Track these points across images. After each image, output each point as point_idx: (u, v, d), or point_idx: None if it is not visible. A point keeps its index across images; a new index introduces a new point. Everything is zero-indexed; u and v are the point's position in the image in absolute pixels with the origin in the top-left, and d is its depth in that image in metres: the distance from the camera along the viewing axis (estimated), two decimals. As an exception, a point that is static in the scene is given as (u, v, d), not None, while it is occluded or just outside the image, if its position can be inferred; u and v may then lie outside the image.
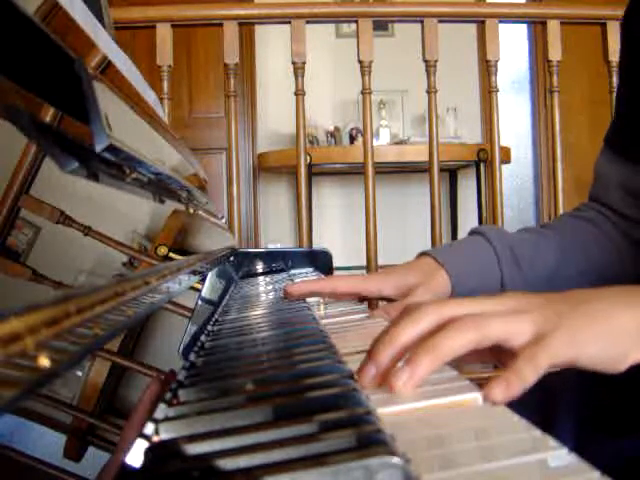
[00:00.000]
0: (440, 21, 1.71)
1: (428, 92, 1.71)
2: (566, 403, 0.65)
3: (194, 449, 0.29)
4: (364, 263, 1.73)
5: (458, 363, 0.42)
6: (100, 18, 0.62)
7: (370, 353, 0.40)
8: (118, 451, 0.30)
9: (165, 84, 1.65)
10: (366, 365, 0.39)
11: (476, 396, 0.35)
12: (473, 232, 0.82)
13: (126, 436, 0.31)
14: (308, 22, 1.69)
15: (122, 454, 0.29)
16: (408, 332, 0.40)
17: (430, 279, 0.74)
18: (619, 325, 0.41)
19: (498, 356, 0.42)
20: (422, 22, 1.70)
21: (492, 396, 0.36)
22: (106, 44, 0.50)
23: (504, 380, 0.37)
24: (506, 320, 0.40)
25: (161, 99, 1.58)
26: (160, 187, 0.61)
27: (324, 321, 0.66)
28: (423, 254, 0.79)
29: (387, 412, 0.33)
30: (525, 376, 0.37)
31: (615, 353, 0.41)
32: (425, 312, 0.41)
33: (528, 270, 0.77)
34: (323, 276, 1.09)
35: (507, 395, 0.36)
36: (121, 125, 0.41)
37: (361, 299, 0.78)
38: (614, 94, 1.58)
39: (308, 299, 0.76)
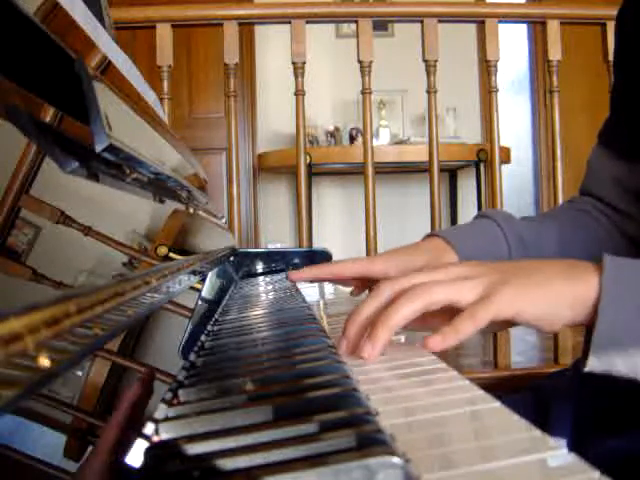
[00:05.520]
0: (440, 21, 1.71)
1: (428, 92, 1.71)
2: (565, 403, 0.65)
3: (194, 449, 0.29)
4: (364, 263, 1.73)
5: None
6: (100, 18, 0.62)
7: (343, 330, 0.50)
8: (97, 453, 0.28)
9: (165, 84, 1.65)
10: (340, 340, 0.49)
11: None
12: (480, 216, 0.80)
13: (105, 438, 0.30)
14: (308, 22, 1.69)
15: (100, 456, 0.28)
16: (367, 309, 0.50)
17: (438, 259, 0.72)
18: (556, 292, 0.48)
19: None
20: (422, 22, 1.70)
21: (429, 345, 0.45)
22: (106, 44, 0.50)
23: (441, 333, 0.45)
24: (450, 286, 0.48)
25: (161, 99, 1.58)
26: (160, 187, 0.61)
27: (324, 321, 0.66)
28: (431, 235, 0.77)
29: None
30: (461, 329, 0.45)
31: (550, 314, 0.48)
32: (381, 290, 0.50)
33: (534, 256, 0.76)
34: None
35: (442, 345, 0.45)
36: (121, 125, 0.41)
37: (367, 282, 0.74)
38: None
39: (308, 299, 0.76)
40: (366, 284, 0.76)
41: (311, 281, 0.79)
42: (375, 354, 0.46)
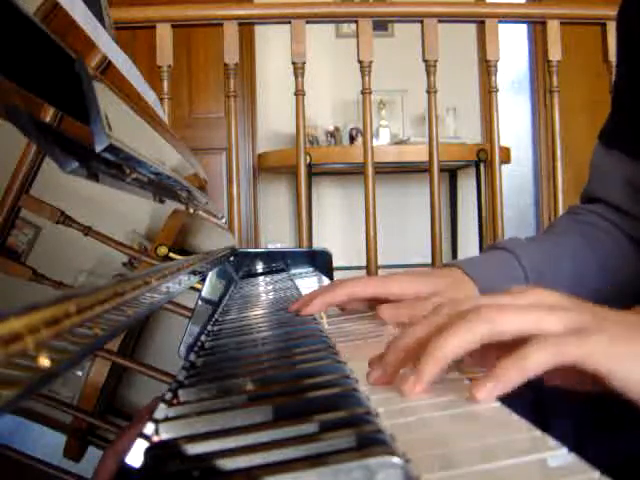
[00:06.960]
0: (440, 21, 1.71)
1: (428, 92, 1.71)
2: (565, 403, 0.64)
3: (194, 449, 0.29)
4: (364, 263, 1.73)
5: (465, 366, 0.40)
6: (100, 18, 0.62)
7: (383, 355, 0.39)
8: None
9: (165, 84, 1.65)
10: (374, 365, 0.39)
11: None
12: (499, 247, 0.77)
13: None
14: (308, 22, 1.69)
15: None
16: (419, 332, 0.39)
17: (458, 286, 0.69)
18: None
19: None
20: (422, 22, 1.70)
21: (481, 392, 0.34)
22: (106, 44, 0.50)
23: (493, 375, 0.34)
24: (527, 313, 0.36)
25: (161, 99, 1.58)
26: (160, 187, 0.61)
27: (324, 321, 0.66)
28: (447, 265, 0.73)
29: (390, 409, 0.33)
30: (531, 361, 0.34)
31: None
32: (438, 310, 0.39)
33: (550, 285, 0.74)
34: (324, 277, 1.07)
35: (499, 390, 0.34)
36: (121, 125, 0.41)
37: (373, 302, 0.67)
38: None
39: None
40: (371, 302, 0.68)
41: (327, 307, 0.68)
42: (418, 389, 0.35)
